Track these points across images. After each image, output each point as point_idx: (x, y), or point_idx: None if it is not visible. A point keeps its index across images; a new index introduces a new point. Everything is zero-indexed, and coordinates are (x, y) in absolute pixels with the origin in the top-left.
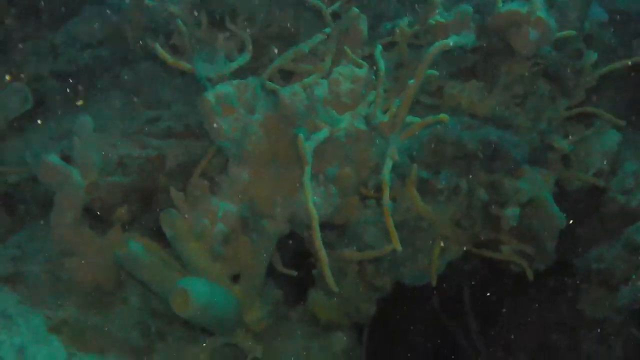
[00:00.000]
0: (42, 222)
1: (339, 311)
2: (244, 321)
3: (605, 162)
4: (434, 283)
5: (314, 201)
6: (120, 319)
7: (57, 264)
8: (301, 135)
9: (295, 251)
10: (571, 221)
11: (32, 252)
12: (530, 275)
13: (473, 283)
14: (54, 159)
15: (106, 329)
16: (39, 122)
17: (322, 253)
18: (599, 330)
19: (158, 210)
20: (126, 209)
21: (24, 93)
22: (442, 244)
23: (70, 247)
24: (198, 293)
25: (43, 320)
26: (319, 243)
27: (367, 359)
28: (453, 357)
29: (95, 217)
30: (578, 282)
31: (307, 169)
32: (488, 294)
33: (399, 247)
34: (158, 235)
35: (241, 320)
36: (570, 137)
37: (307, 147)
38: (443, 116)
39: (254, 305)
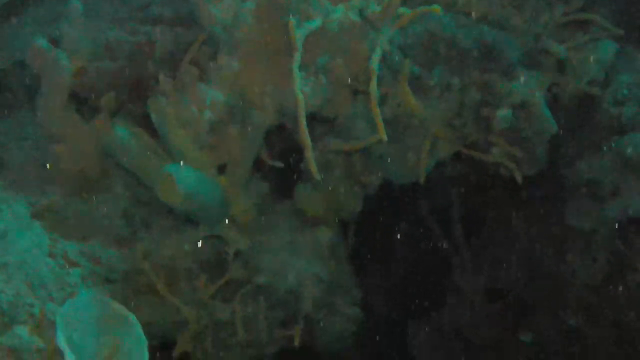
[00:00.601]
0: (28, 108)
1: (325, 206)
2: (229, 213)
3: (600, 71)
4: (422, 181)
5: (304, 90)
6: (105, 207)
7: (42, 151)
8: (293, 21)
9: (284, 147)
10: (562, 131)
11: (17, 139)
12: (519, 178)
13: (462, 190)
14: (42, 43)
15: (90, 216)
16: (28, 7)
17: (306, 137)
18: (584, 243)
19: (146, 97)
20: (114, 96)
21: None
22: (432, 142)
23: (56, 133)
24: (184, 179)
25: (26, 207)
26: (304, 127)
27: (351, 256)
28: (437, 263)
29: (83, 102)
30: (566, 192)
31: (297, 56)
32: (476, 202)
33: (385, 137)
34: (145, 123)
35: (226, 212)
36: (565, 43)
37: (299, 34)
38: (435, 7)
39: (239, 196)
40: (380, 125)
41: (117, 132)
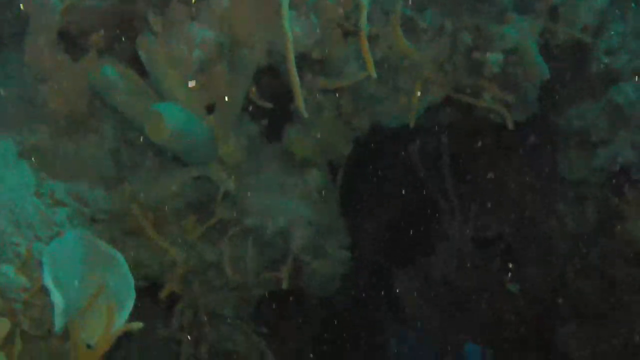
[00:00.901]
0: (16, 48)
1: (315, 148)
2: (218, 154)
3: (592, 18)
4: (412, 124)
5: (294, 30)
6: (92, 147)
7: (30, 90)
8: None
9: (274, 88)
10: (553, 78)
11: (5, 78)
12: (510, 124)
13: (452, 136)
14: None
15: (77, 156)
16: None
17: (294, 74)
18: (574, 192)
19: (135, 36)
20: (102, 35)
21: None
22: (422, 85)
23: (44, 72)
24: (172, 117)
25: (14, 146)
26: (292, 64)
27: (341, 199)
28: (426, 210)
29: (71, 42)
30: (556, 141)
31: None
32: (466, 149)
33: (374, 74)
34: (134, 63)
35: (215, 153)
36: None
37: None
38: None
39: (228, 137)
40: (369, 60)
41: (106, 71)
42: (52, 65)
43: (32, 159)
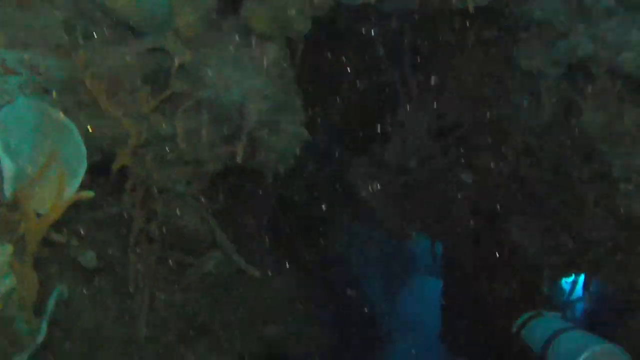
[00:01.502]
0: None
1: (273, 22)
2: (174, 25)
3: None
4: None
5: None
6: (45, 17)
7: None
8: None
9: None
10: None
11: None
12: (471, 7)
13: (414, 22)
14: None
15: (30, 25)
16: None
17: None
18: (531, 84)
19: None
20: None
21: None
22: None
23: None
24: None
25: None
26: None
27: (298, 78)
28: (384, 97)
29: None
30: (516, 32)
31: None
32: (427, 36)
33: None
34: None
35: (171, 23)
36: None
37: None
38: None
39: (185, 8)
40: None
41: None
42: None
43: None
